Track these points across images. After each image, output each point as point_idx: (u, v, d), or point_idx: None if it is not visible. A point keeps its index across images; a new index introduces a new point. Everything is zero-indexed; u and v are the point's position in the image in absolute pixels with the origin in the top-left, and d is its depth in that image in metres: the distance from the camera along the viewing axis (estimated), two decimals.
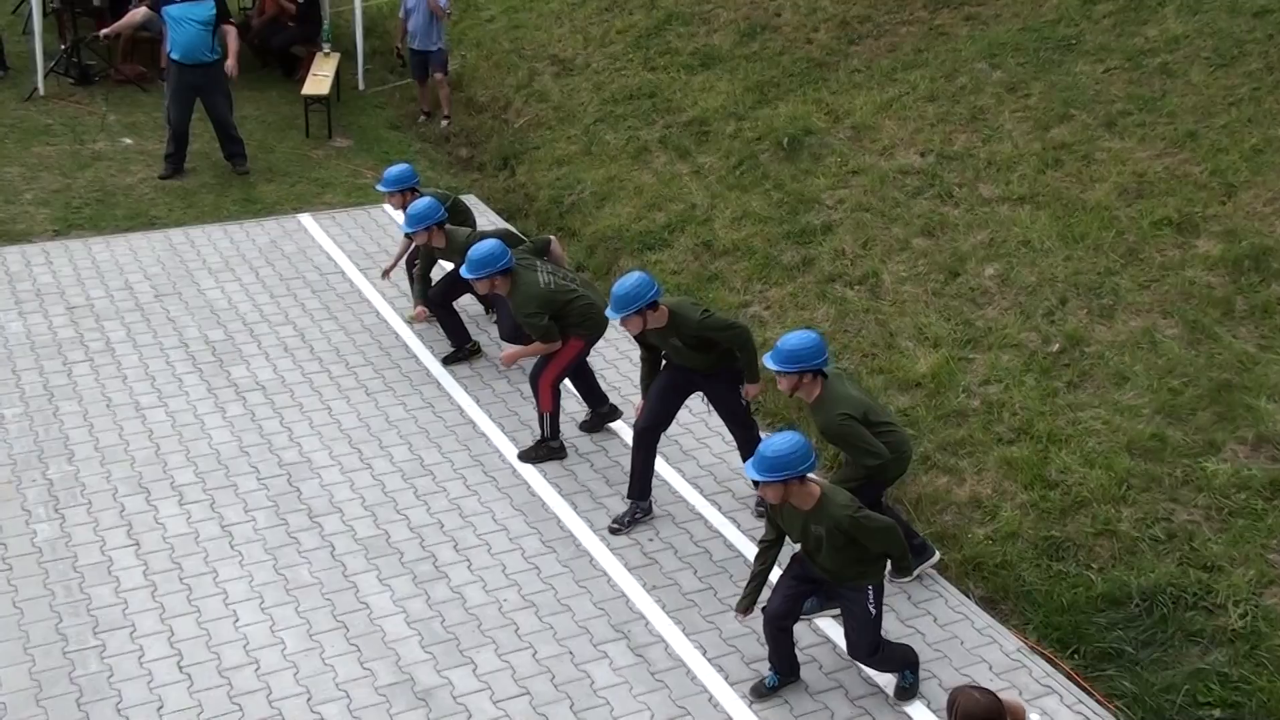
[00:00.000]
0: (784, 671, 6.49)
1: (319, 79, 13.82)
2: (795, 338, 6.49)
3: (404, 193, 9.37)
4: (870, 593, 6.11)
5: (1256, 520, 6.96)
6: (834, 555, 6.00)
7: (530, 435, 8.57)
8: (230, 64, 12.31)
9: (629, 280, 7.19)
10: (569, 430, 8.66)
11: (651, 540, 7.65)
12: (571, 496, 8.01)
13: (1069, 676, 6.67)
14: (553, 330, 8.01)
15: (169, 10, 11.86)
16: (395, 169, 9.44)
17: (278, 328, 9.82)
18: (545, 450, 8.39)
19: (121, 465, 8.09)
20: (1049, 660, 6.78)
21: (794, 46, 13.08)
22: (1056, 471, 7.64)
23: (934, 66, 11.74)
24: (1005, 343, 8.63)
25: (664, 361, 7.69)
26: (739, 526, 7.79)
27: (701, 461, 8.41)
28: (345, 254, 11.10)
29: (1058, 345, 8.46)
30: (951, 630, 6.99)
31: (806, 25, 13.30)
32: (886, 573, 6.27)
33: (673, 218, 11.12)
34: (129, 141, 13.21)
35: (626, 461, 8.37)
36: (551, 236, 9.05)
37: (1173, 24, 10.90)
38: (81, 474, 7.98)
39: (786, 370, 6.47)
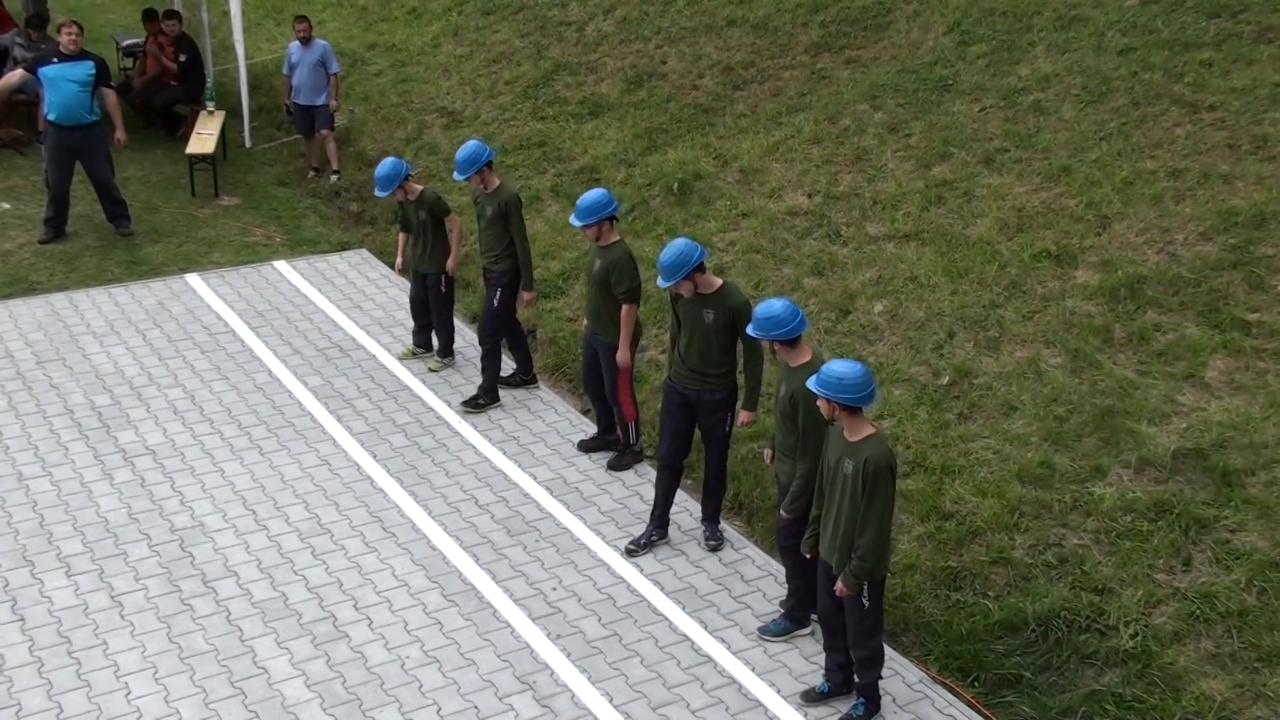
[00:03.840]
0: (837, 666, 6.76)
1: (203, 137, 13.65)
2: (763, 305, 6.71)
3: (403, 186, 9.57)
4: (866, 587, 6.28)
5: (1143, 542, 7.15)
6: (844, 513, 6.18)
7: (430, 487, 8.50)
8: (119, 135, 12.17)
9: (674, 248, 7.35)
10: (474, 480, 8.61)
11: (555, 589, 7.61)
12: (473, 549, 7.95)
13: (970, 705, 6.76)
14: (639, 289, 8.38)
15: (45, 71, 11.64)
16: (385, 166, 9.50)
17: (166, 390, 9.63)
18: (631, 456, 8.82)
19: (4, 539, 7.83)
20: (951, 690, 6.87)
21: (680, 93, 13.26)
22: (951, 502, 7.77)
23: (817, 109, 11.98)
24: (897, 377, 8.78)
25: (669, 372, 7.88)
26: (642, 572, 7.79)
27: (603, 508, 8.40)
28: (235, 313, 10.94)
29: (947, 378, 8.64)
30: None
31: (692, 72, 13.50)
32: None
33: (567, 265, 11.16)
34: (6, 206, 12.89)
35: (527, 511, 8.34)
36: None
37: (1043, 63, 11.26)
38: None
39: (761, 335, 6.73)
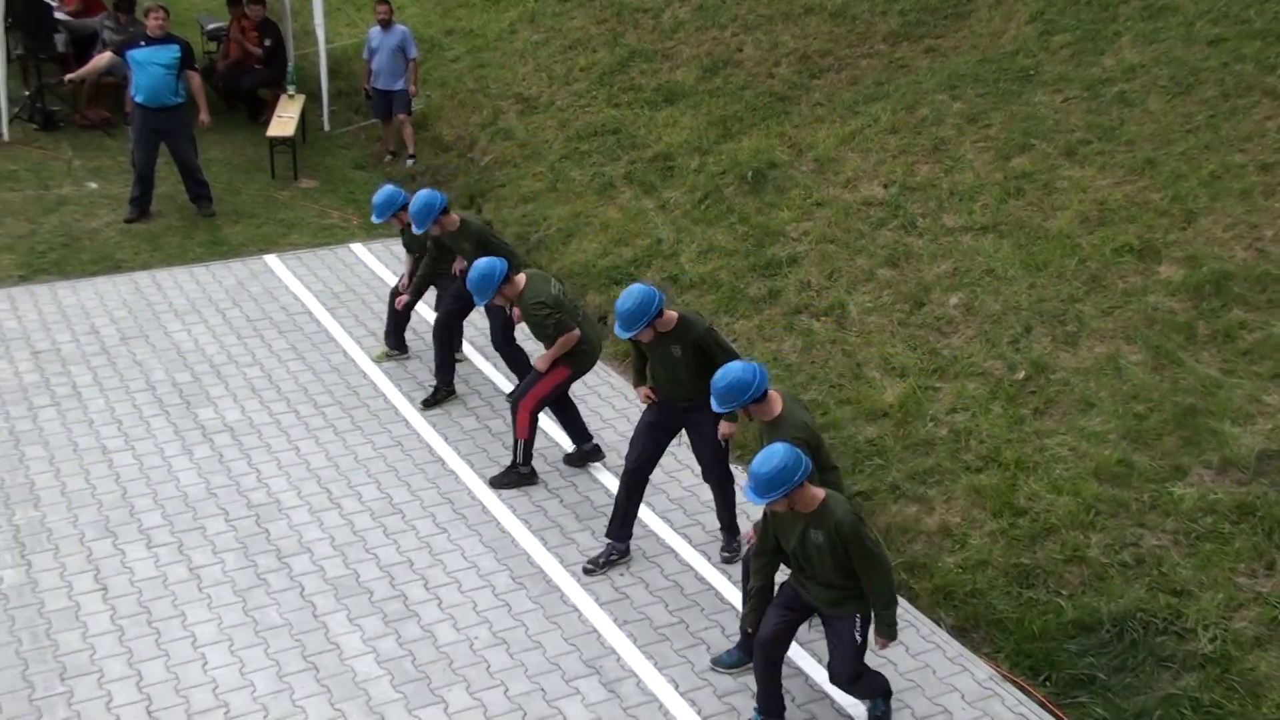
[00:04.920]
0: (768, 711, 6.44)
1: (284, 120, 13.83)
2: (720, 375, 6.38)
3: (398, 214, 9.33)
4: (857, 621, 6.10)
5: (1223, 544, 7.00)
6: (827, 572, 5.96)
7: (500, 469, 8.55)
8: (203, 117, 12.39)
9: (631, 295, 7.06)
10: (543, 464, 8.65)
11: (622, 575, 7.63)
12: (541, 532, 7.99)
13: (1041, 704, 6.68)
14: (564, 322, 8.05)
15: (133, 54, 11.87)
16: (381, 194, 9.27)
17: (245, 369, 9.78)
18: (515, 476, 8.44)
19: (88, 509, 8.01)
20: (1021, 688, 6.79)
21: (756, 81, 13.19)
22: (1025, 499, 7.67)
23: (895, 99, 11.85)
24: (971, 371, 8.68)
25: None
26: (710, 560, 7.78)
27: (671, 495, 8.40)
28: (312, 294, 11.08)
29: (1023, 373, 8.52)
30: (924, 660, 7.00)
31: (768, 60, 13.42)
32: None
33: (639, 252, 11.16)
34: (94, 186, 13.16)
35: (596, 496, 8.37)
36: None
37: (1129, 53, 11.05)
38: (48, 519, 7.90)
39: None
